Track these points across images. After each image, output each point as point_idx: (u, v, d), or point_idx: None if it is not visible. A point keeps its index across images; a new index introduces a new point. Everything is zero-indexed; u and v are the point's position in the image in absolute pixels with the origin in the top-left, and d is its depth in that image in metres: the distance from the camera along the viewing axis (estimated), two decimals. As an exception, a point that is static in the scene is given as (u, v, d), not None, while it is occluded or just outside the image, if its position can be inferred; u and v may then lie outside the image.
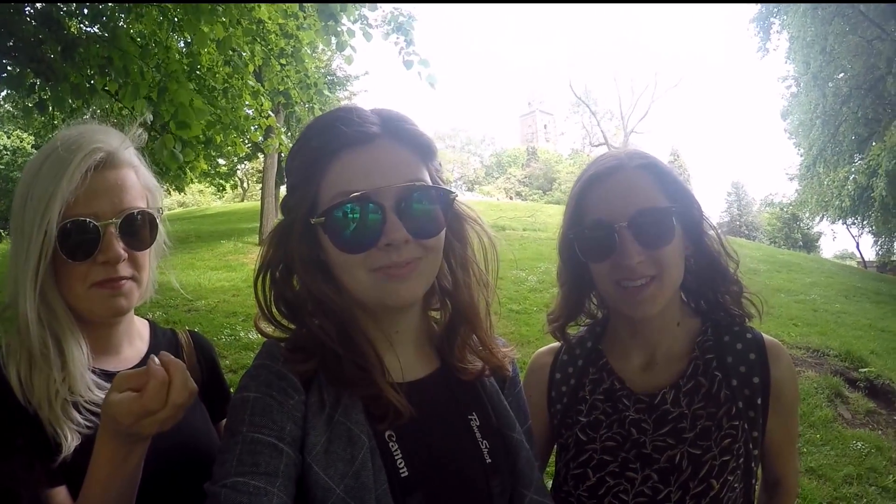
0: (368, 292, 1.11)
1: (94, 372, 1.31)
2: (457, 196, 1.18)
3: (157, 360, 1.08)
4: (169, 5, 6.14)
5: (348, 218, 1.07)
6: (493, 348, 1.28)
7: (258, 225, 19.13)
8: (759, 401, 1.41)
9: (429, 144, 1.17)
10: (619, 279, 1.40)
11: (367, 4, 6.90)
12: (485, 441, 1.21)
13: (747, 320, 1.52)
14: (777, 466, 1.52)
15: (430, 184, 1.15)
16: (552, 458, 1.65)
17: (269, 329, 1.20)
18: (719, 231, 1.52)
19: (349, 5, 6.30)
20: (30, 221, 1.24)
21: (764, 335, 1.49)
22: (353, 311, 1.16)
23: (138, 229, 1.34)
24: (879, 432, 6.04)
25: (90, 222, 1.26)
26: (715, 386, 1.42)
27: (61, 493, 1.18)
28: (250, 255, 15.32)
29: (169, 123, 5.29)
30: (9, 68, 5.15)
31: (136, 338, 1.47)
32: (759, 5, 23.72)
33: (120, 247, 1.29)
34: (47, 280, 1.26)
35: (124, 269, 1.31)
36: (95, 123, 1.42)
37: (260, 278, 1.18)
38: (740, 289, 1.51)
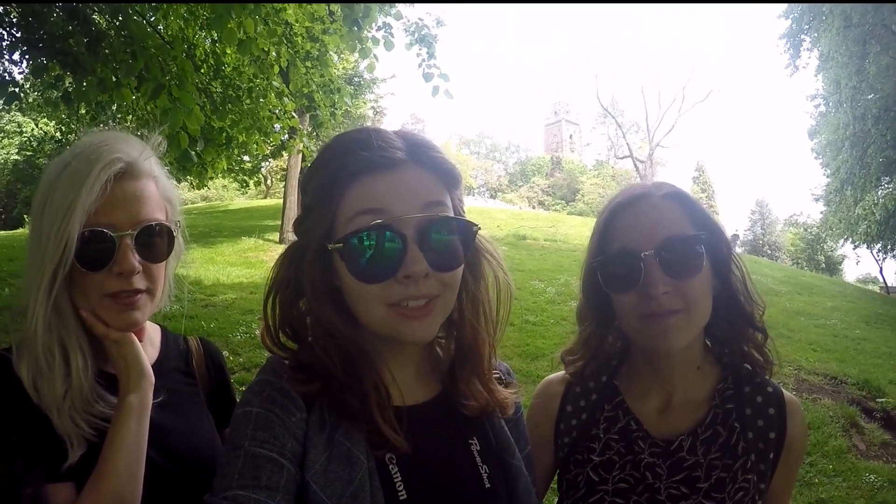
0: (382, 326, 1.09)
1: (102, 377, 1.33)
2: (480, 228, 1.15)
3: None
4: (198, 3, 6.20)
5: (366, 245, 1.04)
6: (493, 392, 1.25)
7: (280, 223, 19.26)
8: (771, 455, 1.39)
9: (454, 173, 1.14)
10: (643, 313, 1.33)
11: (394, 9, 6.92)
12: (484, 466, 1.20)
13: (768, 372, 1.47)
14: None
15: (453, 214, 1.12)
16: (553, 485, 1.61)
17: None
18: (745, 271, 1.46)
19: (372, 12, 6.30)
20: (47, 231, 1.25)
21: (783, 390, 1.46)
22: (359, 339, 1.14)
23: (154, 242, 1.35)
24: (894, 465, 5.93)
25: (107, 233, 1.27)
26: (734, 437, 1.39)
27: (65, 489, 1.20)
28: (270, 253, 15.41)
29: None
30: (38, 59, 5.22)
31: (147, 344, 1.47)
32: (789, 21, 23.47)
33: (135, 259, 1.29)
34: (61, 289, 1.27)
35: (139, 282, 1.32)
36: (116, 131, 1.43)
37: (269, 299, 1.18)
38: (765, 336, 1.46)
